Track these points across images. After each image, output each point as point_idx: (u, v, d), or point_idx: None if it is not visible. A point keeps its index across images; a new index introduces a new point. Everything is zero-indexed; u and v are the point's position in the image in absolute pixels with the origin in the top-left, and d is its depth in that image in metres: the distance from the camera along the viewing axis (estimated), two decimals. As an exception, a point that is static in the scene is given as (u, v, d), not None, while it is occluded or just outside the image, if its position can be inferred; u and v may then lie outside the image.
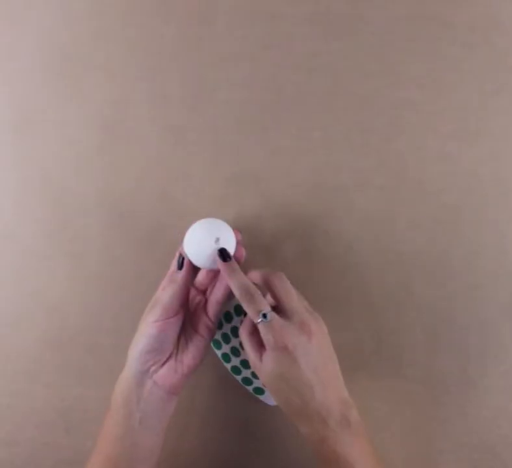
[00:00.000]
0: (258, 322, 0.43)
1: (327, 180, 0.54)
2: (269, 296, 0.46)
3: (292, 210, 0.54)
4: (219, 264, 0.45)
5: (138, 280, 0.54)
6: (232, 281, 0.44)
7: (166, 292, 0.46)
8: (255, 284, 0.45)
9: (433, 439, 0.54)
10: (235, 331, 0.51)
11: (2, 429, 0.55)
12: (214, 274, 0.50)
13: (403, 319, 0.54)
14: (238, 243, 0.47)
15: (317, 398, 0.43)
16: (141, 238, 0.55)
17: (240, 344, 0.51)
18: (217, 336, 0.52)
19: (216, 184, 0.54)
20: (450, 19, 0.53)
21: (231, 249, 0.46)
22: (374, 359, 0.54)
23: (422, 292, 0.54)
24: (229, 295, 0.47)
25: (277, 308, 0.45)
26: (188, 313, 0.49)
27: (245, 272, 0.46)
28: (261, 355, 0.44)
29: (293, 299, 0.45)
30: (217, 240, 0.45)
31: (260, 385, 0.52)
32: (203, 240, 0.46)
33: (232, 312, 0.51)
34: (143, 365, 0.46)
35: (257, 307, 0.43)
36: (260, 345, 0.45)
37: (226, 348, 0.52)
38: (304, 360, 0.43)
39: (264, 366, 0.44)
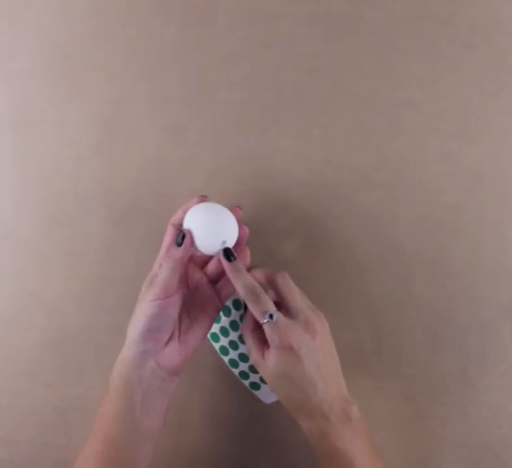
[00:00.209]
0: (264, 322, 0.43)
1: (327, 180, 0.54)
2: (270, 291, 0.46)
3: (292, 210, 0.54)
4: (224, 264, 0.45)
5: (138, 279, 0.54)
6: (237, 281, 0.44)
7: (164, 269, 0.44)
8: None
9: (433, 439, 0.54)
10: (234, 325, 0.51)
11: (2, 429, 0.55)
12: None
13: (403, 319, 0.54)
14: (239, 223, 0.46)
15: (319, 394, 0.43)
16: (141, 237, 0.55)
17: (239, 337, 0.51)
18: (216, 329, 0.52)
19: (215, 184, 0.54)
20: (450, 19, 0.53)
21: (233, 240, 0.45)
22: (374, 359, 0.54)
23: (422, 292, 0.54)
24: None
25: (280, 304, 0.45)
26: (189, 291, 0.48)
27: (249, 269, 0.46)
28: (264, 353, 0.44)
29: (297, 298, 0.45)
30: (223, 235, 0.45)
31: (257, 380, 0.52)
32: (207, 226, 0.45)
33: (230, 306, 0.51)
34: (145, 345, 0.44)
35: (263, 308, 0.43)
36: (262, 342, 0.45)
37: (224, 341, 0.52)
38: (308, 358, 0.43)
39: (268, 364, 0.44)
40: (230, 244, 0.45)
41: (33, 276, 0.55)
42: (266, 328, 0.43)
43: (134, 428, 0.44)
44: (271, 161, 0.54)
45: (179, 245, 0.44)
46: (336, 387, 0.45)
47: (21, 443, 0.55)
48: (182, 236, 0.44)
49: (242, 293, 0.44)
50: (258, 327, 0.45)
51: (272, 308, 0.43)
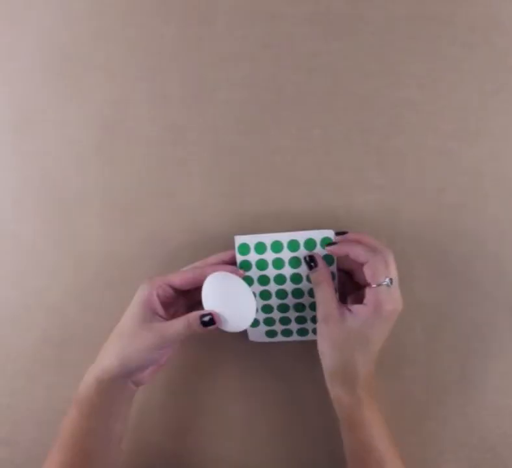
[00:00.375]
0: (382, 284, 0.44)
1: (327, 179, 0.54)
2: None
3: (292, 210, 0.54)
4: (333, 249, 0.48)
5: (138, 279, 0.54)
6: (356, 248, 0.46)
7: (182, 329, 0.45)
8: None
9: (433, 439, 0.54)
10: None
11: (2, 429, 0.55)
12: (194, 280, 0.49)
13: (403, 319, 0.54)
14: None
15: (372, 363, 0.46)
16: (141, 237, 0.55)
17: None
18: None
19: (215, 184, 0.54)
20: (450, 19, 0.53)
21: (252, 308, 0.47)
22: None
23: (422, 292, 0.54)
24: None
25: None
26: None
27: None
28: (340, 309, 0.46)
29: (396, 275, 0.46)
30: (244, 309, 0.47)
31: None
32: (228, 305, 0.46)
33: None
34: (128, 375, 0.47)
35: (388, 272, 0.45)
36: (336, 298, 0.47)
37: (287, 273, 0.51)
38: (389, 329, 0.46)
39: (349, 321, 0.45)
40: (252, 316, 0.47)
41: (33, 276, 0.55)
42: (378, 290, 0.44)
43: (107, 436, 0.47)
44: (271, 161, 0.54)
45: (205, 325, 0.45)
46: (374, 363, 0.47)
47: (21, 443, 0.55)
48: (210, 319, 0.45)
49: (367, 255, 0.45)
50: (333, 284, 0.48)
51: (394, 274, 0.45)
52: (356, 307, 0.45)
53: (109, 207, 0.55)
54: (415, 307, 0.54)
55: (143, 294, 0.47)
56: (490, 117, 0.54)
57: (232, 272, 0.48)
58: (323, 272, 0.48)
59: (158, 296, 0.47)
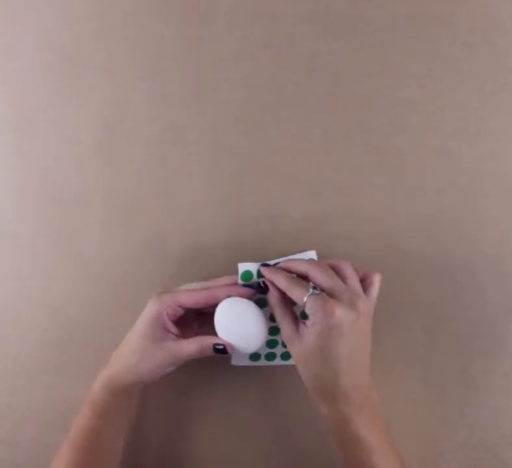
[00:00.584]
0: (309, 295, 0.43)
1: (327, 179, 0.54)
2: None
3: (292, 210, 0.54)
4: (263, 270, 0.47)
5: (138, 280, 0.54)
6: (276, 277, 0.46)
7: (194, 351, 0.46)
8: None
9: (433, 439, 0.54)
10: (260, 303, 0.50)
11: (2, 429, 0.55)
12: (205, 302, 0.48)
13: (403, 319, 0.54)
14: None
15: (348, 377, 0.43)
16: (142, 238, 0.55)
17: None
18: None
19: (215, 184, 0.54)
20: (450, 19, 0.53)
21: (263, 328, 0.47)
22: (374, 359, 0.54)
23: (422, 292, 0.54)
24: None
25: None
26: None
27: None
28: (298, 328, 0.44)
29: (351, 281, 0.45)
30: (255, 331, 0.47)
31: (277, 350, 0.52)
32: (239, 333, 0.47)
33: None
34: (140, 382, 0.49)
35: (304, 286, 0.44)
36: (295, 317, 0.45)
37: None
38: (348, 336, 0.42)
39: (304, 338, 0.43)
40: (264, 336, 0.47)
41: (33, 276, 0.55)
42: (309, 301, 0.43)
43: (118, 434, 0.50)
44: (271, 161, 0.54)
45: (217, 352, 0.46)
46: (364, 371, 0.45)
47: (21, 443, 0.55)
48: (223, 348, 0.46)
49: (283, 282, 0.45)
50: (286, 302, 0.46)
51: (326, 281, 0.44)
52: (308, 323, 0.44)
53: (109, 207, 0.55)
54: (415, 307, 0.54)
55: (154, 309, 0.47)
56: (490, 117, 0.54)
57: (245, 295, 0.47)
58: (274, 295, 0.46)
59: (167, 314, 0.47)
